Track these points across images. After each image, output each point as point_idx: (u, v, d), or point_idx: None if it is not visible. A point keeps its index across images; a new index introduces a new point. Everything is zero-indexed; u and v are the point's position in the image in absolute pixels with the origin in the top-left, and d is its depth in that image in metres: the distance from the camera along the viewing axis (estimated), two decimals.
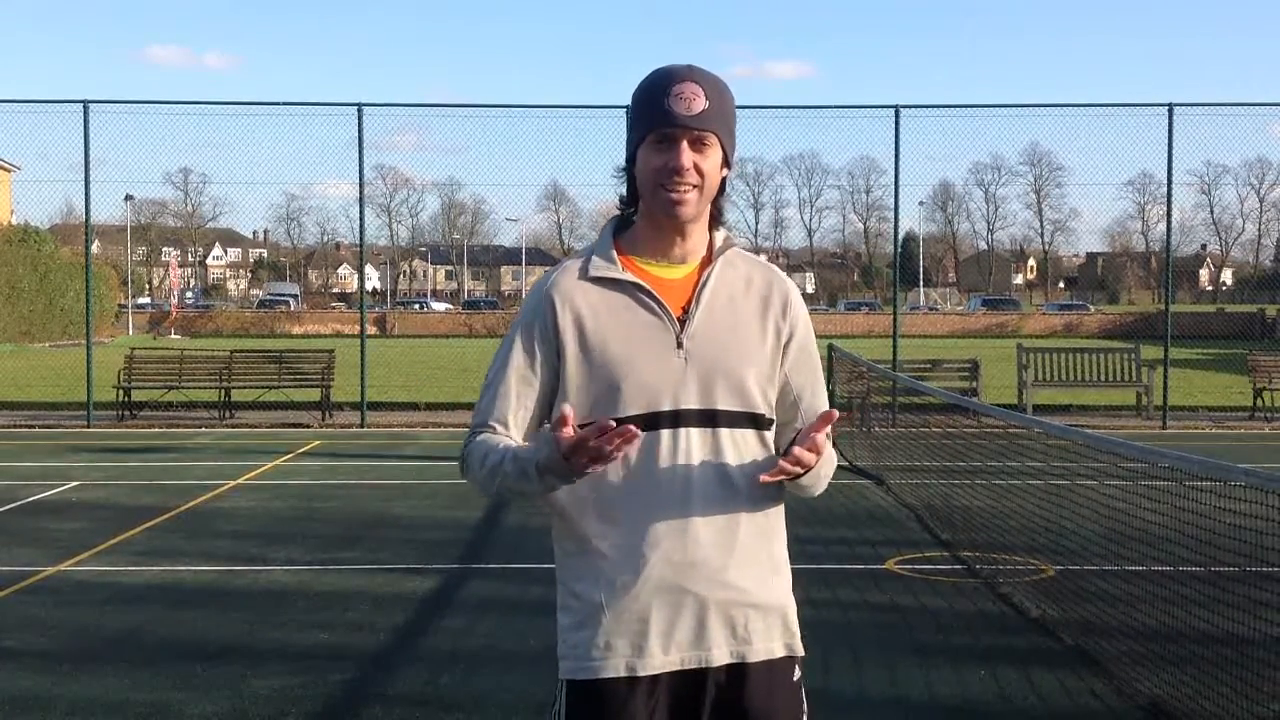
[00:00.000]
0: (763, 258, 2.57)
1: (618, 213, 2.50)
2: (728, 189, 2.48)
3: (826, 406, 2.51)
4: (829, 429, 2.33)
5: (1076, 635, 6.20)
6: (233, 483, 11.81)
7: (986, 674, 5.79)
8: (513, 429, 2.42)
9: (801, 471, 2.31)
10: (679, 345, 2.36)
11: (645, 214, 2.43)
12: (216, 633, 6.50)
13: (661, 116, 2.34)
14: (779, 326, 2.44)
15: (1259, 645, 4.87)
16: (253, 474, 12.45)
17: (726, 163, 2.42)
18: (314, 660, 5.98)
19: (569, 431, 2.16)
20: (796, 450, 2.27)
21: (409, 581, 7.69)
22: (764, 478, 2.29)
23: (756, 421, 2.40)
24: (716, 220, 2.47)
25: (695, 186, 2.35)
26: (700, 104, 2.33)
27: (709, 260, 2.44)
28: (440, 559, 8.36)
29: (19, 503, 10.68)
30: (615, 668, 2.34)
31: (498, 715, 5.25)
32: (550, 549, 2.48)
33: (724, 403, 2.36)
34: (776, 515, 2.45)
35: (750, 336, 2.41)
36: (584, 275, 2.41)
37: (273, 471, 12.77)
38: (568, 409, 2.19)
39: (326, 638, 6.40)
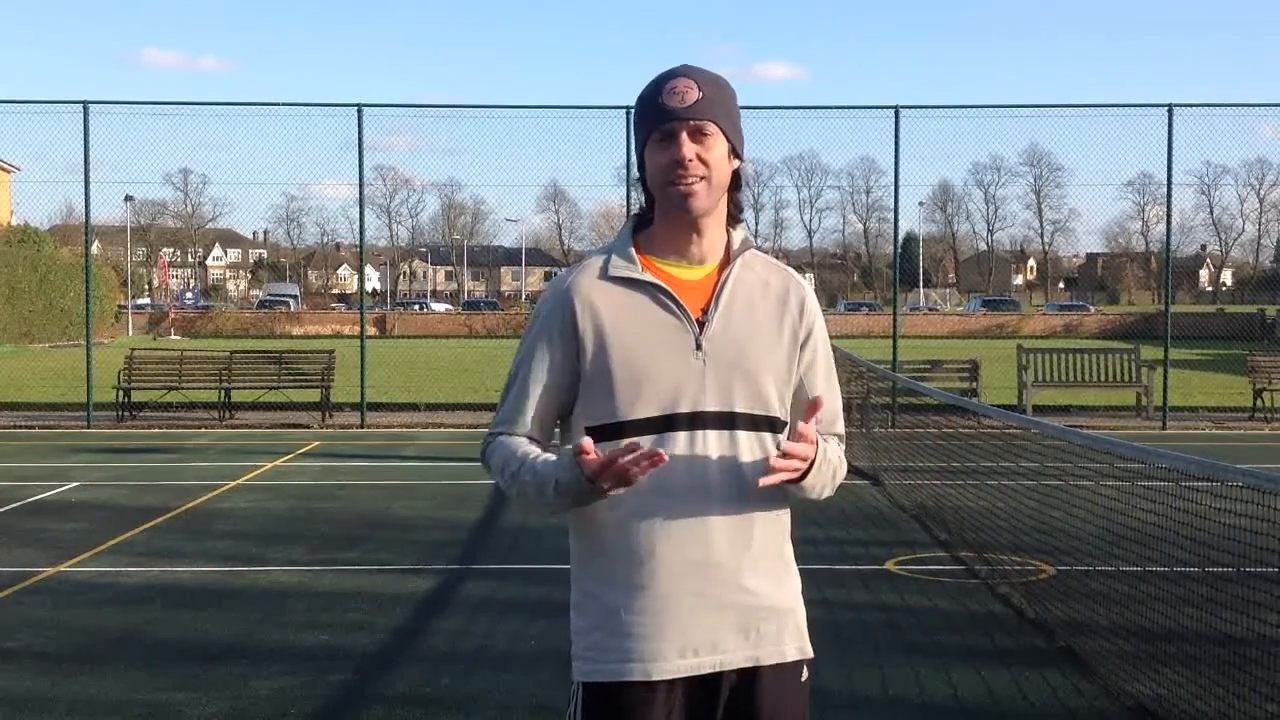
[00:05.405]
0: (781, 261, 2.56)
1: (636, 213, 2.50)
2: (743, 183, 2.46)
3: (838, 408, 2.51)
4: (817, 417, 2.31)
5: (1075, 636, 6.21)
6: (233, 483, 11.82)
7: (986, 675, 5.80)
8: (534, 429, 2.42)
9: (798, 468, 2.29)
10: (698, 347, 2.35)
11: (660, 214, 2.42)
12: (216, 633, 6.51)
13: (658, 113, 2.35)
14: (795, 329, 2.43)
15: (1255, 645, 4.88)
16: (253, 474, 12.46)
17: (736, 154, 2.40)
18: (314, 660, 5.99)
19: (593, 457, 2.17)
20: (786, 445, 2.26)
21: (408, 582, 7.70)
22: (762, 481, 2.26)
23: (773, 425, 2.39)
24: (734, 217, 2.45)
25: (702, 178, 2.34)
26: (694, 95, 2.34)
27: (727, 261, 2.43)
28: (440, 559, 8.37)
29: (19, 503, 10.69)
30: (631, 671, 2.32)
31: (496, 715, 5.26)
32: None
33: (742, 405, 2.35)
34: (787, 517, 2.45)
35: (768, 339, 2.40)
36: (603, 275, 2.40)
37: (273, 472, 12.78)
38: (587, 441, 2.19)
39: (326, 638, 6.41)
